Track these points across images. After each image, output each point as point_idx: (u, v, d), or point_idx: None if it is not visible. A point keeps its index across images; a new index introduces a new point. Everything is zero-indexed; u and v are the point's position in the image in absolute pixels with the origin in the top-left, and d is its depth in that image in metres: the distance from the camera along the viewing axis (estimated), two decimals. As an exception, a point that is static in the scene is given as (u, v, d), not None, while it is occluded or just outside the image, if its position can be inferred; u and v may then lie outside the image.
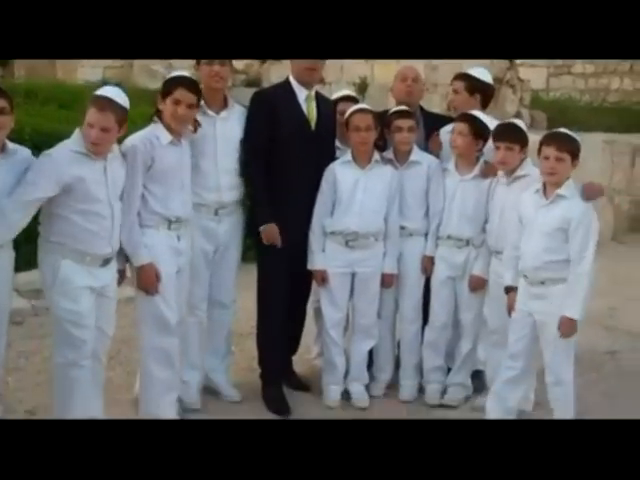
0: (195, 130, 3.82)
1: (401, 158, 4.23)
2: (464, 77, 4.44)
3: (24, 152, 3.38)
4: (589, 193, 3.58)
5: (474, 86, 4.38)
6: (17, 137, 5.52)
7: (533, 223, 3.64)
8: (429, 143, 4.37)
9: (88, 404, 3.45)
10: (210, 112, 3.94)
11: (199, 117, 3.83)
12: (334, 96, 4.64)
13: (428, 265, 4.24)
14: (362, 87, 10.96)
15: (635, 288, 6.83)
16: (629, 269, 7.55)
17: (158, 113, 3.71)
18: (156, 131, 3.67)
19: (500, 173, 3.99)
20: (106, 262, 3.47)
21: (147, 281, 3.62)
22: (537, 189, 3.65)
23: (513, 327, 3.75)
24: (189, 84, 3.68)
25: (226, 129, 3.98)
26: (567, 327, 3.53)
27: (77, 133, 3.36)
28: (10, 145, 3.32)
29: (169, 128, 3.67)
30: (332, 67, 10.78)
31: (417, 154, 4.24)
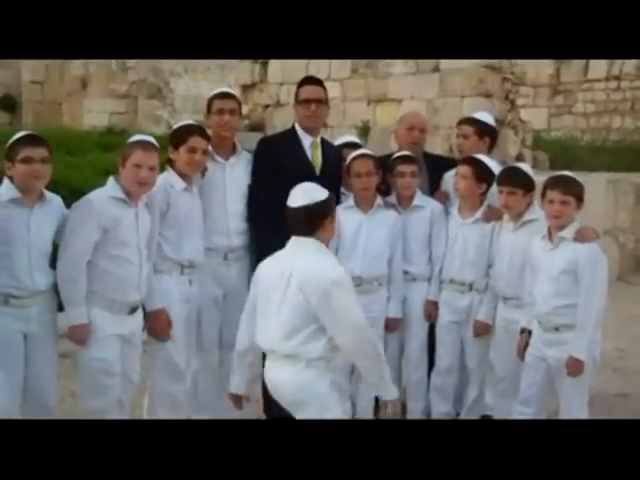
0: (203, 175, 3.90)
1: (404, 203, 4.23)
2: (472, 121, 4.46)
3: (58, 200, 3.49)
4: (581, 238, 3.55)
5: (483, 130, 4.41)
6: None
7: (542, 269, 3.64)
8: (435, 196, 4.36)
9: None
10: (219, 158, 4.00)
11: (208, 163, 3.91)
12: (337, 142, 4.67)
13: (431, 310, 4.21)
14: (364, 130, 11.07)
15: (643, 328, 6.78)
16: (636, 309, 7.50)
17: (170, 162, 3.80)
18: (170, 179, 3.74)
19: (505, 217, 3.98)
20: (134, 310, 3.51)
21: (159, 327, 3.66)
22: (543, 235, 3.66)
23: (526, 372, 3.72)
24: (202, 131, 3.80)
25: (235, 175, 4.05)
26: (572, 368, 3.51)
27: (112, 181, 3.47)
28: (47, 194, 3.42)
29: (182, 175, 3.75)
30: (334, 111, 10.88)
31: (420, 199, 4.24)
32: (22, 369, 3.30)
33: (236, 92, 4.18)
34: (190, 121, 3.94)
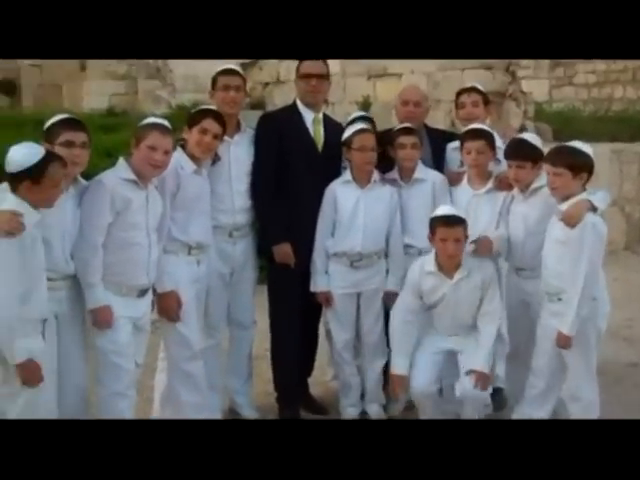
0: (213, 163, 3.90)
1: (405, 175, 4.20)
2: (478, 90, 4.55)
3: (86, 184, 3.43)
4: (565, 220, 3.54)
5: (486, 98, 4.55)
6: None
7: (547, 235, 3.68)
8: (450, 179, 4.29)
9: None
10: (224, 137, 3.95)
11: None
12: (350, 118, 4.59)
13: None
14: (365, 106, 10.99)
15: (652, 297, 6.78)
16: (644, 278, 7.49)
17: (182, 142, 3.78)
18: (180, 160, 3.72)
19: (515, 190, 3.96)
20: (142, 293, 3.50)
21: (169, 308, 3.66)
22: None
23: (537, 343, 3.73)
24: (216, 115, 3.78)
25: (239, 153, 4.04)
26: (558, 340, 3.55)
27: (122, 162, 3.44)
28: (80, 179, 3.39)
29: (192, 157, 3.73)
30: (334, 87, 10.80)
31: (421, 171, 4.19)
32: (55, 349, 3.27)
33: (237, 69, 4.14)
34: (210, 106, 3.93)
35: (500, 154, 4.06)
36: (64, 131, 3.24)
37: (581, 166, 3.57)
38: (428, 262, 3.81)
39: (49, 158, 3.00)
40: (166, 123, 3.53)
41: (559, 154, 3.60)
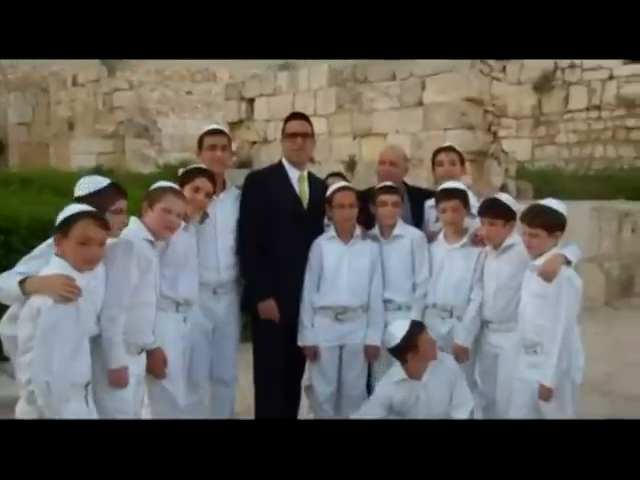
0: (202, 221, 3.97)
1: (385, 232, 4.29)
2: (455, 149, 4.66)
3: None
4: (541, 275, 3.64)
5: (462, 157, 4.67)
6: (14, 225, 5.62)
7: (523, 290, 3.77)
8: (428, 236, 4.39)
9: None
10: None
11: None
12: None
13: None
14: (351, 165, 11.21)
15: (630, 352, 6.84)
16: (623, 333, 7.57)
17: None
18: None
19: (488, 247, 4.07)
20: (142, 349, 3.51)
21: (156, 365, 3.64)
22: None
23: (514, 396, 3.77)
24: (209, 175, 3.88)
25: (225, 210, 4.12)
26: (540, 393, 3.60)
27: (137, 222, 3.47)
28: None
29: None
30: (321, 146, 11.04)
31: (401, 228, 4.29)
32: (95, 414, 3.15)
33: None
34: (202, 165, 4.01)
35: (475, 211, 4.18)
36: (118, 198, 3.29)
37: (556, 225, 3.68)
38: (396, 373, 3.93)
39: (82, 214, 2.97)
40: (177, 187, 3.61)
41: (535, 215, 3.70)
